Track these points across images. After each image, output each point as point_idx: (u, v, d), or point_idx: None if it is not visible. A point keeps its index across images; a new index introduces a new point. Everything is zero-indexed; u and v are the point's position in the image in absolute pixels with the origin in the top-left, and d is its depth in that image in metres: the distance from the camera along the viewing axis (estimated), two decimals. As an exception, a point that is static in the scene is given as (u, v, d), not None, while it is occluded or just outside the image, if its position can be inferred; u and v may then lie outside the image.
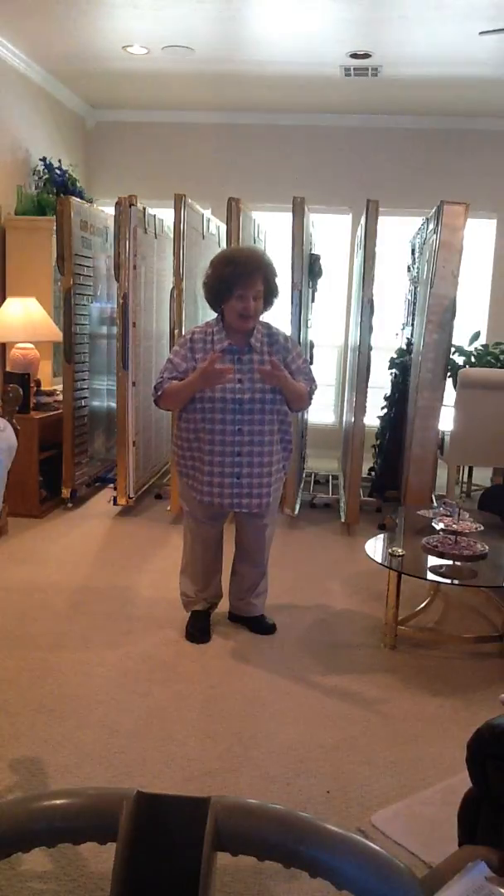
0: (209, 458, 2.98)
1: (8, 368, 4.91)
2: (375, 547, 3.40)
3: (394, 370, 5.42)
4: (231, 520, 3.35)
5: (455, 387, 4.76)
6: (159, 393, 2.99)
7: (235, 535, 3.28)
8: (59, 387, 5.13)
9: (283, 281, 4.85)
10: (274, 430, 3.02)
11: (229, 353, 2.97)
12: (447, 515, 3.41)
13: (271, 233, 6.12)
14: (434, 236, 4.46)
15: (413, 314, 5.31)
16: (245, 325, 2.94)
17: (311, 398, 3.13)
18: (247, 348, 2.98)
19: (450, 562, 3.20)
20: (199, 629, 3.24)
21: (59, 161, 5.85)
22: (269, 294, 2.99)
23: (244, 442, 2.96)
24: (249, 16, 4.57)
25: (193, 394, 2.93)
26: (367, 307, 4.57)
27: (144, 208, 4.90)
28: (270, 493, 3.06)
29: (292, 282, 4.63)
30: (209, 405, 2.94)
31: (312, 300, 5.57)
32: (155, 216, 5.18)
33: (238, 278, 2.88)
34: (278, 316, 5.67)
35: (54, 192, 5.55)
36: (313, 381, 3.15)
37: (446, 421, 4.72)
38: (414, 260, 5.53)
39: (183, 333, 3.72)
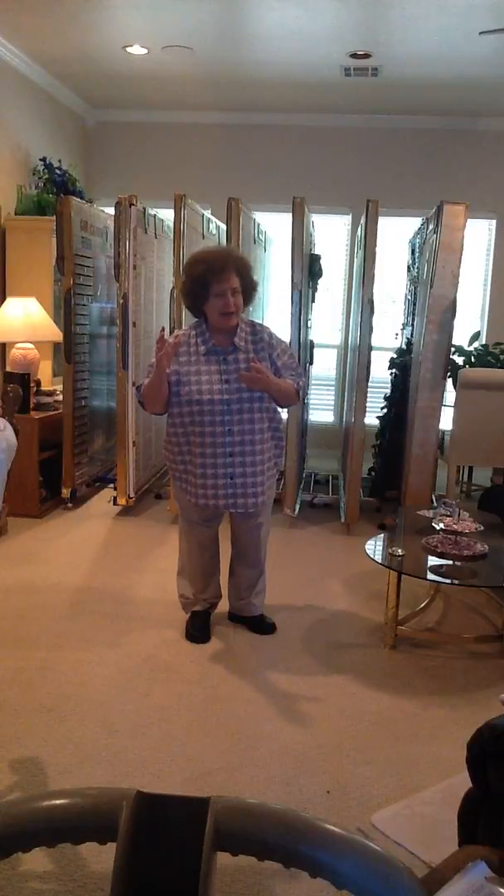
0: (201, 461, 2.97)
1: (8, 368, 4.91)
2: (375, 547, 3.40)
3: (394, 370, 5.42)
4: (227, 520, 3.35)
5: (455, 387, 4.76)
6: (141, 392, 2.99)
7: (231, 535, 3.28)
8: (59, 387, 5.13)
9: (283, 281, 4.88)
10: (264, 428, 3.01)
11: (214, 355, 2.96)
12: (447, 515, 3.41)
13: (271, 233, 6.13)
14: (434, 236, 4.46)
15: (413, 314, 5.31)
16: (229, 321, 2.93)
17: (300, 394, 3.10)
18: (231, 348, 2.97)
19: (450, 562, 3.20)
20: (198, 629, 3.24)
21: (59, 161, 5.85)
22: (247, 288, 2.98)
23: (235, 442, 2.95)
24: (249, 16, 4.57)
25: (164, 380, 2.89)
26: (367, 307, 4.57)
27: (144, 208, 4.90)
28: (265, 492, 3.06)
29: (292, 282, 4.63)
30: (197, 408, 2.92)
31: (312, 300, 5.57)
32: (155, 216, 5.18)
33: (212, 277, 2.87)
34: (279, 316, 5.70)
35: (54, 192, 5.55)
36: (301, 376, 3.12)
37: (446, 421, 4.72)
38: (414, 260, 5.53)
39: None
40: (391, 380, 5.45)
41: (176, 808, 0.80)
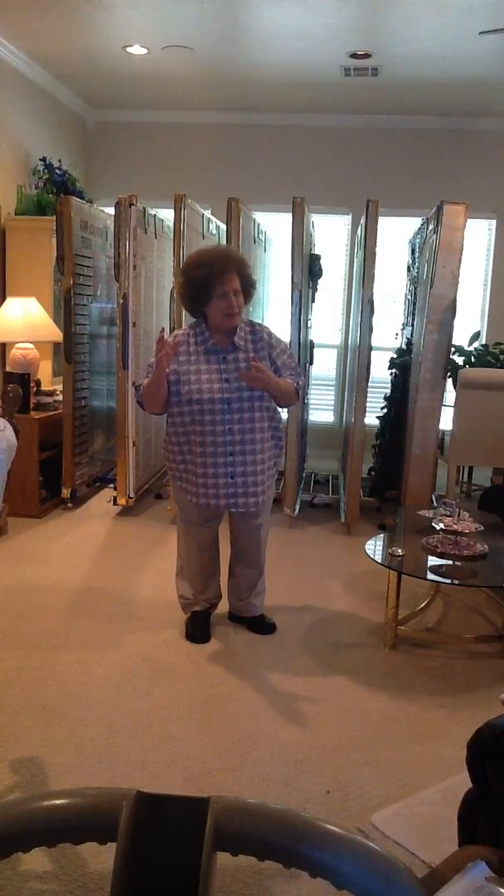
0: (202, 460, 2.97)
1: (8, 368, 4.91)
2: (375, 547, 3.40)
3: (394, 370, 5.42)
4: (226, 520, 3.35)
5: (455, 387, 4.76)
6: (140, 392, 2.99)
7: (230, 535, 3.28)
8: (59, 387, 5.13)
9: (283, 281, 4.88)
10: (265, 427, 3.01)
11: (214, 354, 2.96)
12: (447, 515, 3.41)
13: (271, 233, 6.13)
14: (434, 236, 4.46)
15: (413, 314, 5.31)
16: (232, 322, 2.94)
17: (299, 394, 3.10)
18: (231, 348, 2.97)
19: (450, 562, 3.20)
20: (198, 629, 3.23)
21: (59, 161, 5.85)
22: (247, 287, 2.98)
23: (235, 441, 2.95)
24: (249, 16, 4.57)
25: (163, 380, 2.89)
26: (367, 307, 4.57)
27: (144, 208, 4.90)
28: (265, 491, 3.06)
29: (292, 282, 4.63)
30: (197, 407, 2.92)
31: (312, 300, 5.57)
32: (155, 216, 5.18)
33: (213, 279, 2.87)
34: (279, 316, 5.70)
35: (54, 192, 5.54)
36: (300, 375, 3.13)
37: (446, 421, 4.72)
38: (414, 260, 5.53)
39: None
40: (391, 380, 5.45)
41: (176, 808, 0.81)
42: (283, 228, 4.87)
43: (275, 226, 6.06)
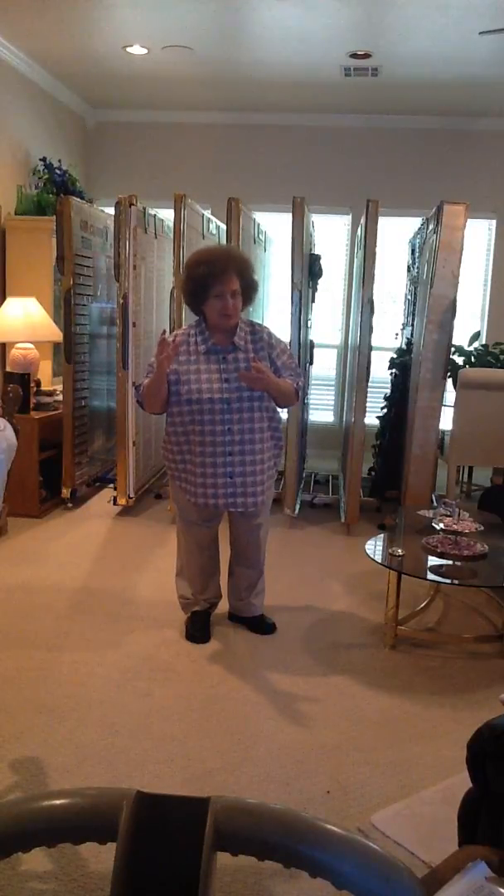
0: (201, 460, 2.97)
1: (8, 368, 4.91)
2: (375, 547, 3.40)
3: (394, 370, 5.42)
4: (226, 520, 3.35)
5: (455, 387, 4.76)
6: (140, 391, 2.98)
7: (230, 536, 3.28)
8: (59, 387, 5.13)
9: (283, 281, 4.88)
10: (264, 427, 3.01)
11: (214, 354, 2.96)
12: (447, 515, 3.41)
13: (271, 233, 6.13)
14: (434, 236, 4.47)
15: (413, 314, 5.31)
16: (228, 322, 2.94)
17: (298, 395, 3.10)
18: (231, 347, 2.97)
19: (450, 562, 3.20)
20: (198, 629, 3.23)
21: (59, 161, 5.85)
22: (248, 289, 2.98)
23: (235, 441, 2.95)
24: (249, 16, 4.57)
25: (164, 380, 2.89)
26: (367, 307, 4.57)
27: (144, 208, 4.90)
28: (264, 491, 3.06)
29: (292, 282, 4.63)
30: (197, 407, 2.92)
31: (312, 300, 5.57)
32: (155, 216, 5.18)
33: (212, 278, 2.87)
34: (279, 316, 5.70)
35: (54, 192, 5.54)
36: (300, 376, 3.12)
37: (446, 421, 4.72)
38: (414, 260, 5.54)
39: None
40: (391, 380, 5.45)
41: (176, 808, 0.81)
42: (283, 228, 4.87)
43: (275, 226, 6.06)
